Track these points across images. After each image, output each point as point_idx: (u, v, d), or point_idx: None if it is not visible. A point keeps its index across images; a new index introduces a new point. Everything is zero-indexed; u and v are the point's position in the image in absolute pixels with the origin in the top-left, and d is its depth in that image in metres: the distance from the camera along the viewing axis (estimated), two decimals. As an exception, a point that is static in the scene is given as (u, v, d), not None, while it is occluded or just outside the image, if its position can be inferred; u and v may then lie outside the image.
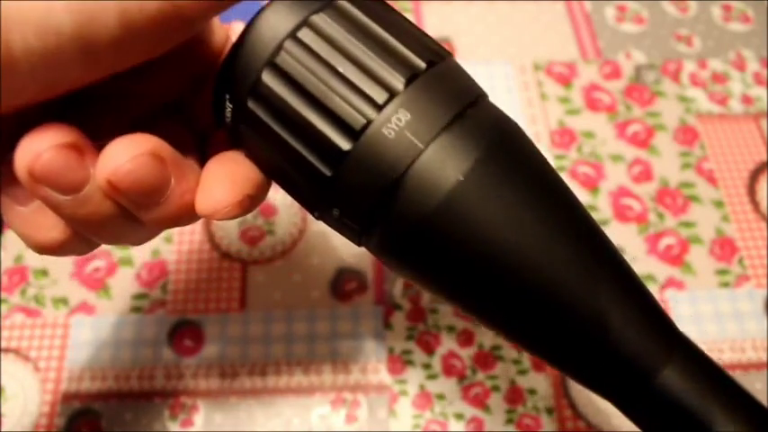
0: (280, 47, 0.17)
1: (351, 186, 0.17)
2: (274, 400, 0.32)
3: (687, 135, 0.39)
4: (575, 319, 0.16)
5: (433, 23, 0.44)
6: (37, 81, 0.15)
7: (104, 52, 0.15)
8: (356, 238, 0.19)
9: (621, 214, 0.37)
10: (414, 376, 0.32)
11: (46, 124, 0.16)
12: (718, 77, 0.42)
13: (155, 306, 0.34)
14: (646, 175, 0.38)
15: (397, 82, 0.16)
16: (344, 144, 0.16)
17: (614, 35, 0.43)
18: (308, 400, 0.32)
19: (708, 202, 0.37)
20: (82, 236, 0.18)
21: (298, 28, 0.17)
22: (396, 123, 0.16)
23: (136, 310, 0.34)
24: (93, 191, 0.17)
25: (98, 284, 0.34)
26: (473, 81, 0.18)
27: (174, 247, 0.35)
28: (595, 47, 0.43)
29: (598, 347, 0.16)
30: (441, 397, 0.32)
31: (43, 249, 0.18)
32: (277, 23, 0.17)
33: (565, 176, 0.38)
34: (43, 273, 0.35)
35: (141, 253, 0.35)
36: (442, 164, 0.16)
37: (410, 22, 0.18)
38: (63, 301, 0.34)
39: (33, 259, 0.35)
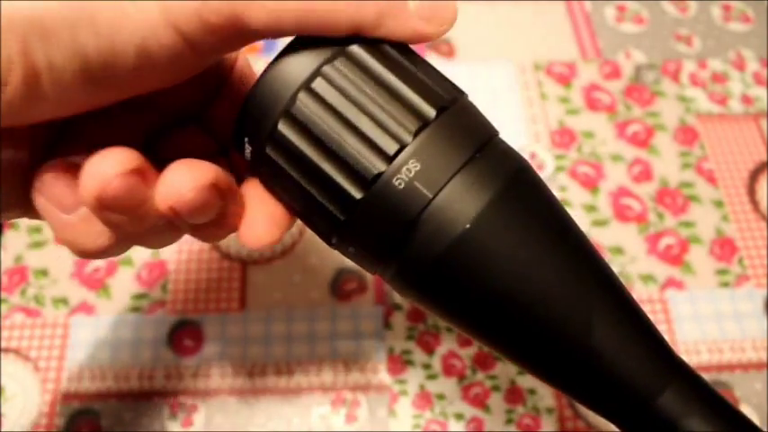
0: (294, 97, 0.17)
1: (364, 230, 0.18)
2: (274, 400, 0.32)
3: (687, 135, 0.39)
4: (578, 349, 0.17)
5: (433, 23, 0.44)
6: (57, 100, 0.16)
7: (122, 79, 0.16)
8: (372, 271, 0.20)
9: (621, 214, 0.37)
10: (414, 376, 0.32)
11: (110, 149, 0.17)
12: (718, 77, 0.42)
13: (155, 306, 0.34)
14: (646, 175, 0.38)
15: (407, 133, 0.17)
16: (357, 193, 0.17)
17: (614, 35, 0.43)
18: (308, 400, 0.32)
19: (708, 202, 0.37)
20: (128, 242, 0.19)
21: (311, 78, 0.17)
22: (405, 174, 0.17)
23: (136, 310, 0.34)
24: (151, 210, 0.17)
25: (98, 284, 0.34)
26: (485, 121, 0.19)
27: (174, 247, 0.35)
28: (595, 47, 0.43)
29: (600, 375, 0.17)
30: (441, 397, 0.32)
31: (87, 255, 0.18)
32: (293, 71, 0.18)
33: (565, 176, 0.38)
34: (43, 273, 0.35)
35: (141, 253, 0.35)
36: (452, 209, 0.17)
37: (426, 64, 0.19)
38: (63, 301, 0.34)
39: (33, 259, 0.35)
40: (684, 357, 0.33)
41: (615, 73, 0.42)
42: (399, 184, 0.17)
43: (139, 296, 0.34)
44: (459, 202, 0.17)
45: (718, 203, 0.37)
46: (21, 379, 0.32)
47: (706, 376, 0.32)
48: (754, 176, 0.38)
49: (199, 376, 0.32)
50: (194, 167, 0.17)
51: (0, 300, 0.34)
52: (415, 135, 0.17)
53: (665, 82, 0.41)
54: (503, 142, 0.19)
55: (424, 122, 0.17)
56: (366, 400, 0.32)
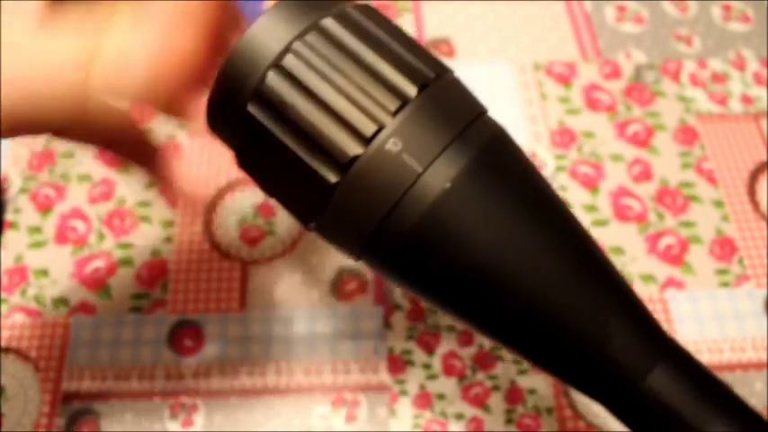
0: (264, 76, 0.16)
1: (342, 214, 0.17)
2: (274, 400, 0.32)
3: (687, 135, 0.39)
4: (561, 324, 0.16)
5: (433, 23, 0.44)
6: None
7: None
8: (353, 255, 0.18)
9: (621, 214, 0.37)
10: (414, 376, 0.32)
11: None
12: (718, 77, 0.42)
13: (155, 306, 0.34)
14: (646, 174, 0.38)
15: (385, 113, 0.16)
16: (332, 177, 0.16)
17: (614, 35, 0.43)
18: (308, 400, 0.32)
19: (708, 202, 0.37)
20: None
21: (281, 56, 0.16)
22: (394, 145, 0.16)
23: (136, 310, 0.34)
24: None
25: (98, 284, 0.34)
26: (472, 98, 0.18)
27: (174, 247, 0.35)
28: (595, 47, 0.43)
29: (585, 351, 0.16)
30: (441, 397, 0.32)
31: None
32: (262, 48, 0.16)
33: (565, 176, 0.38)
34: (43, 273, 0.35)
35: (141, 253, 0.35)
36: (433, 188, 0.16)
37: (409, 39, 0.18)
38: (63, 301, 0.34)
39: (33, 259, 0.35)
40: (684, 357, 0.33)
41: (615, 73, 0.42)
42: (392, 150, 0.16)
43: (139, 296, 0.34)
44: (442, 167, 0.16)
45: (718, 203, 0.37)
46: (21, 379, 0.32)
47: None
48: (754, 176, 0.38)
49: (199, 376, 0.32)
50: None
51: (0, 300, 0.34)
52: (395, 114, 0.16)
53: (665, 82, 0.41)
54: (491, 120, 0.18)
55: (403, 101, 0.16)
56: (366, 400, 0.32)
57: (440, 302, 0.18)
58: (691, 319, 0.34)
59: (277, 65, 0.16)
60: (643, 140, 0.39)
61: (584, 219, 0.37)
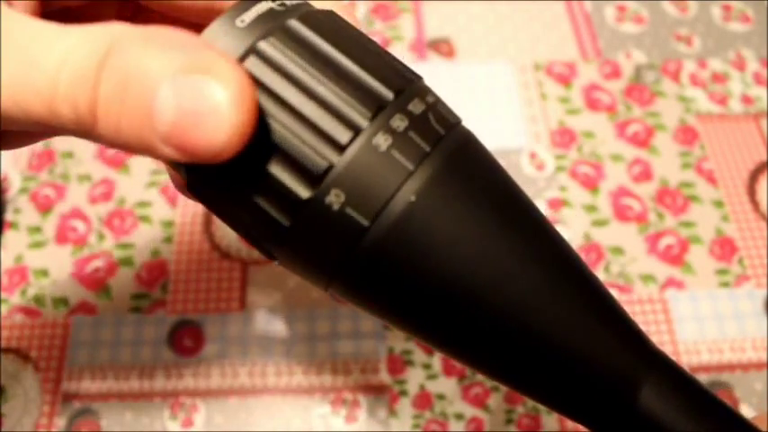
0: None
1: (314, 234, 0.15)
2: (274, 400, 0.32)
3: (687, 135, 0.39)
4: (537, 340, 0.15)
5: (433, 23, 0.44)
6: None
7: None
8: (321, 284, 0.17)
9: (621, 214, 0.37)
10: (414, 376, 0.32)
11: None
12: (718, 77, 0.42)
13: (155, 306, 0.34)
14: (646, 174, 0.38)
15: (362, 117, 0.14)
16: (303, 192, 0.14)
17: (614, 35, 0.43)
18: (308, 400, 0.32)
19: (708, 202, 0.37)
20: None
21: (243, 57, 0.15)
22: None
23: (136, 310, 0.34)
24: None
25: (98, 284, 0.34)
26: (445, 107, 0.16)
27: (174, 247, 0.35)
28: (595, 47, 0.43)
29: (566, 371, 0.15)
30: (441, 397, 0.32)
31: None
32: (223, 47, 0.15)
33: (565, 176, 0.38)
34: (43, 273, 0.35)
35: (141, 253, 0.35)
36: (401, 192, 0.15)
37: (377, 45, 0.16)
38: (63, 301, 0.34)
39: (33, 259, 0.35)
40: (684, 357, 0.33)
41: (615, 73, 0.42)
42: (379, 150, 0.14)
43: (139, 296, 0.34)
44: (406, 193, 0.15)
45: (718, 203, 0.37)
46: (21, 379, 0.32)
47: (706, 376, 0.32)
48: (754, 176, 0.38)
49: (199, 376, 0.32)
50: None
51: (0, 300, 0.34)
52: (372, 119, 0.14)
53: (665, 82, 0.41)
54: (462, 128, 0.17)
55: (380, 104, 0.15)
56: (366, 400, 0.32)
57: (413, 327, 0.16)
58: (691, 319, 0.34)
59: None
60: (643, 140, 0.39)
61: (584, 219, 0.37)
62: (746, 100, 0.41)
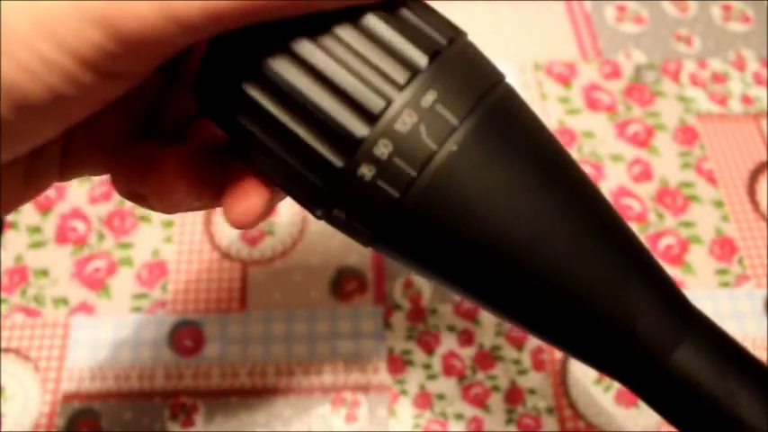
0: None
1: (350, 200, 0.15)
2: (274, 400, 0.32)
3: (687, 135, 0.39)
4: (579, 296, 0.15)
5: (433, 23, 0.44)
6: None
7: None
8: (363, 241, 0.17)
9: (621, 214, 0.37)
10: (414, 376, 0.32)
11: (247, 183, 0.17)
12: (718, 77, 0.42)
13: (155, 306, 0.34)
14: (646, 174, 0.38)
15: (393, 88, 0.15)
16: (338, 161, 0.15)
17: (614, 35, 0.43)
18: (308, 400, 0.32)
19: (708, 202, 0.37)
20: None
21: None
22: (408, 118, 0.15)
23: (136, 310, 0.34)
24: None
25: (98, 284, 0.34)
26: (488, 65, 0.16)
27: (174, 247, 0.35)
28: (595, 47, 0.43)
29: (605, 326, 0.15)
30: (441, 397, 0.32)
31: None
32: None
33: (565, 176, 0.38)
34: (43, 273, 0.35)
35: (141, 253, 0.35)
36: (443, 150, 0.15)
37: (417, 2, 0.16)
38: (63, 301, 0.34)
39: (33, 259, 0.35)
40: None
41: (615, 73, 0.42)
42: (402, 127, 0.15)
43: (139, 296, 0.34)
44: (449, 144, 0.15)
45: (718, 203, 0.37)
46: (21, 379, 0.32)
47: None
48: (754, 176, 0.38)
49: (199, 376, 0.32)
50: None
51: (0, 300, 0.34)
52: (403, 89, 0.14)
53: (665, 82, 0.41)
54: (505, 84, 0.17)
55: (413, 72, 0.15)
56: (366, 400, 0.32)
57: (453, 281, 0.16)
58: (691, 319, 0.34)
59: None
60: (643, 140, 0.39)
61: (584, 219, 0.37)
62: (746, 100, 0.41)
